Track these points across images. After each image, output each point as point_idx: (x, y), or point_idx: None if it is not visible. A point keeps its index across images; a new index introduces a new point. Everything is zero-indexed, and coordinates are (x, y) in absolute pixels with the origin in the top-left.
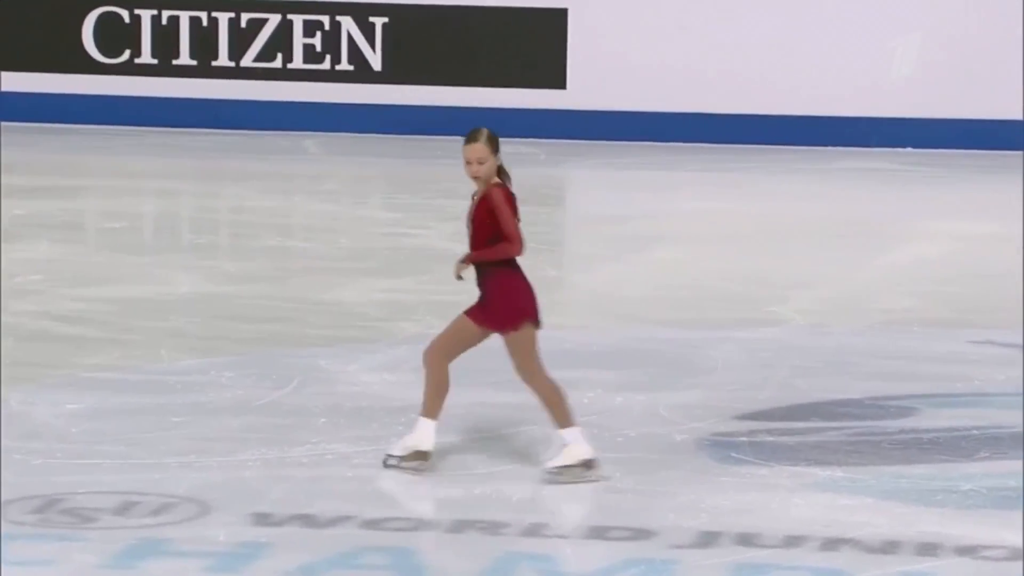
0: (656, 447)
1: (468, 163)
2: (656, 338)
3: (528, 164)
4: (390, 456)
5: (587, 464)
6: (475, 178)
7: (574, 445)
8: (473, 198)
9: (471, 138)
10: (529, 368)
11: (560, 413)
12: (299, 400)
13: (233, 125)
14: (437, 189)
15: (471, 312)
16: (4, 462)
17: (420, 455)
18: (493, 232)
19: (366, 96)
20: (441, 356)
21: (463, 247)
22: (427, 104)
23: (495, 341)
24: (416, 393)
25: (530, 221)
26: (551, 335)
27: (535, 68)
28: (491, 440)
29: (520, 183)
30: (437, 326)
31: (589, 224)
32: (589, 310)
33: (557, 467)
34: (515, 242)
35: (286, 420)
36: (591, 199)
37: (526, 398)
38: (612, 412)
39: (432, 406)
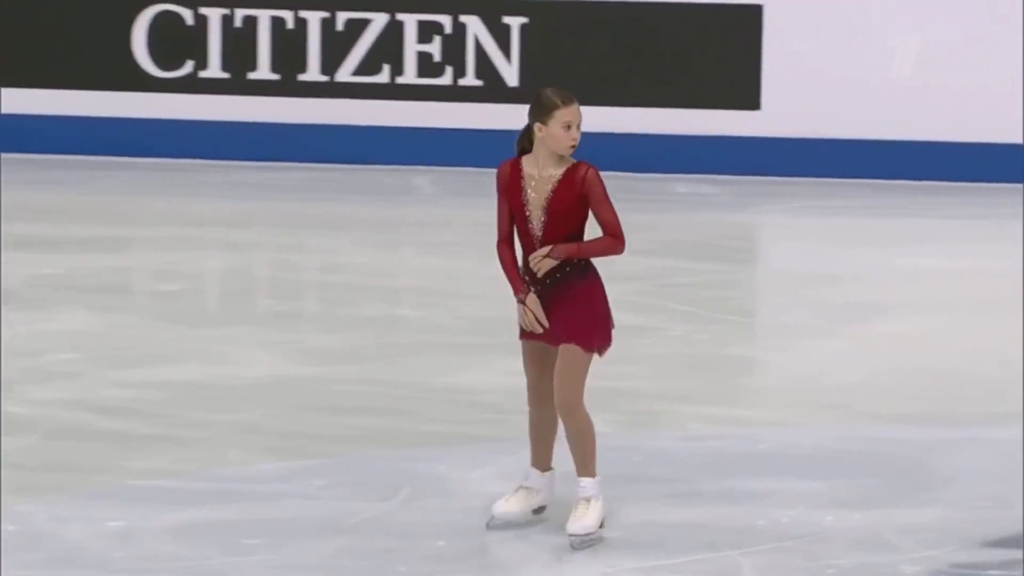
0: None
1: (568, 127)
2: (878, 438)
3: (708, 207)
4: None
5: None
6: (572, 148)
7: (597, 500)
8: (522, 171)
9: (571, 96)
10: (581, 395)
11: (591, 458)
12: (409, 517)
13: (324, 158)
14: None
15: (550, 335)
16: None
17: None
18: (581, 222)
19: (497, 120)
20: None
21: (648, 317)
22: None
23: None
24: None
25: (710, 283)
26: (739, 433)
27: (719, 84)
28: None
29: (698, 233)
30: (595, 421)
31: (789, 287)
32: (790, 401)
33: (584, 534)
34: (623, 239)
35: (393, 543)
36: (791, 254)
37: None
38: (821, 535)
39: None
